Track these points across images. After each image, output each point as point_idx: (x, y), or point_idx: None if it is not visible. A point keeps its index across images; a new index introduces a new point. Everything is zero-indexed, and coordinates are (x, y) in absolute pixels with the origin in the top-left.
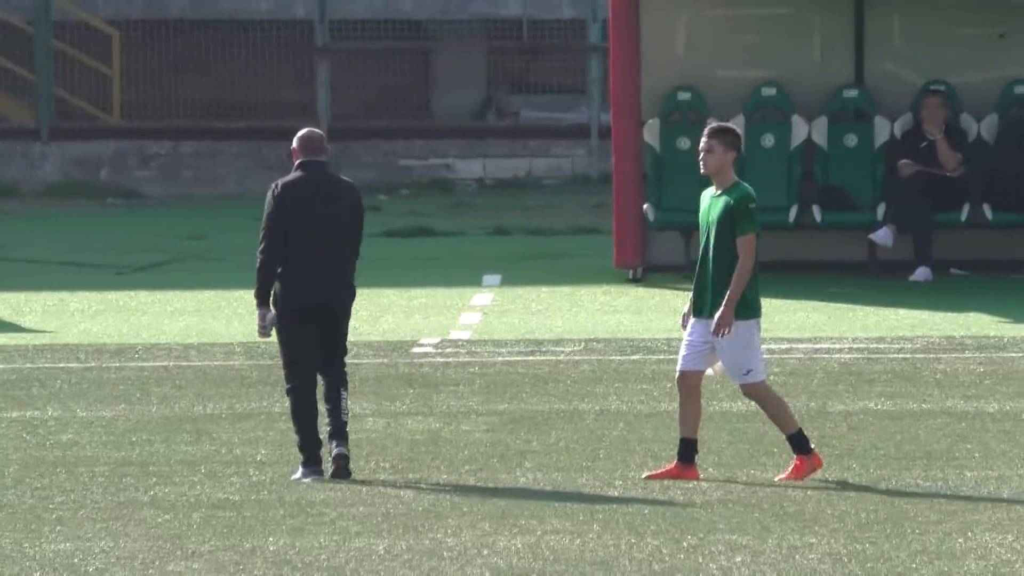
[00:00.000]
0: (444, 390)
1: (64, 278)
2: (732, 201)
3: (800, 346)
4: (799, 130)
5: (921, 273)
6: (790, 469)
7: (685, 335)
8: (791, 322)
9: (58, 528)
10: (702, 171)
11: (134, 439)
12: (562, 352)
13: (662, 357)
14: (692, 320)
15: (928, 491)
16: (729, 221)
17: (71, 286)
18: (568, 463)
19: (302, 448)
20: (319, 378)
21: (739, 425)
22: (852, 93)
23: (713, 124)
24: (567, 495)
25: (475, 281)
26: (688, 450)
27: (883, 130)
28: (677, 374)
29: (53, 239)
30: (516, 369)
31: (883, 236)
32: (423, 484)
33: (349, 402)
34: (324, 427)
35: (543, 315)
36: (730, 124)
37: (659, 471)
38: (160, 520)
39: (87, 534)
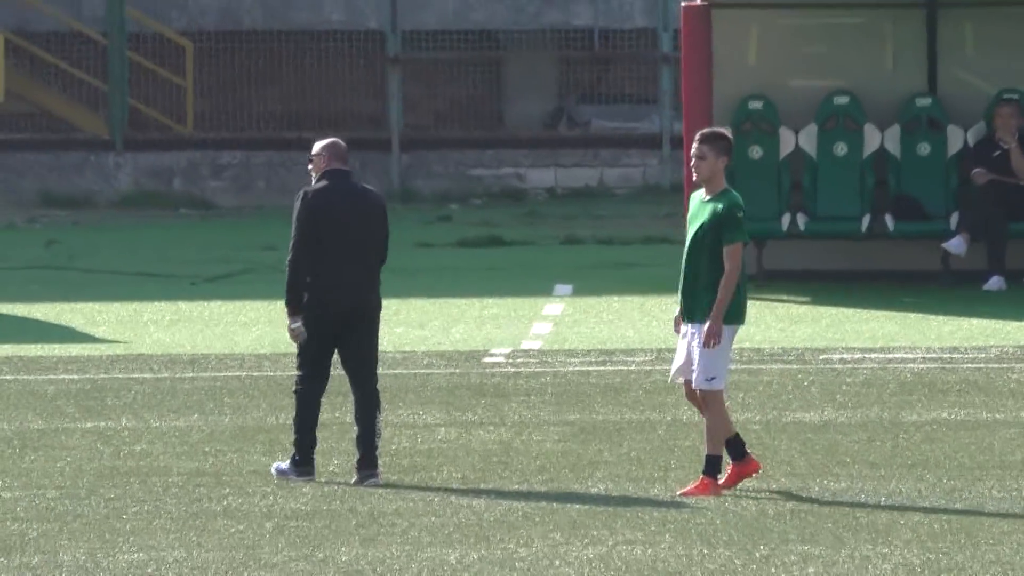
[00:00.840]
0: (515, 400)
1: (137, 288)
2: (721, 208)
3: (873, 356)
4: (872, 139)
5: (995, 282)
6: (694, 484)
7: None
8: (864, 332)
9: (132, 538)
10: (694, 178)
11: (207, 449)
12: (633, 362)
13: (733, 367)
14: (684, 327)
15: (1003, 502)
16: (717, 228)
17: (144, 296)
18: (640, 473)
19: (297, 446)
20: (346, 395)
21: (811, 436)
22: (925, 102)
23: (705, 130)
24: (639, 505)
25: (546, 291)
26: (736, 448)
27: (956, 139)
28: (685, 390)
29: (126, 249)
30: (588, 379)
31: (956, 245)
32: (494, 494)
33: (382, 424)
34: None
35: (614, 325)
36: (722, 129)
37: (724, 480)
38: (233, 530)
39: (160, 544)
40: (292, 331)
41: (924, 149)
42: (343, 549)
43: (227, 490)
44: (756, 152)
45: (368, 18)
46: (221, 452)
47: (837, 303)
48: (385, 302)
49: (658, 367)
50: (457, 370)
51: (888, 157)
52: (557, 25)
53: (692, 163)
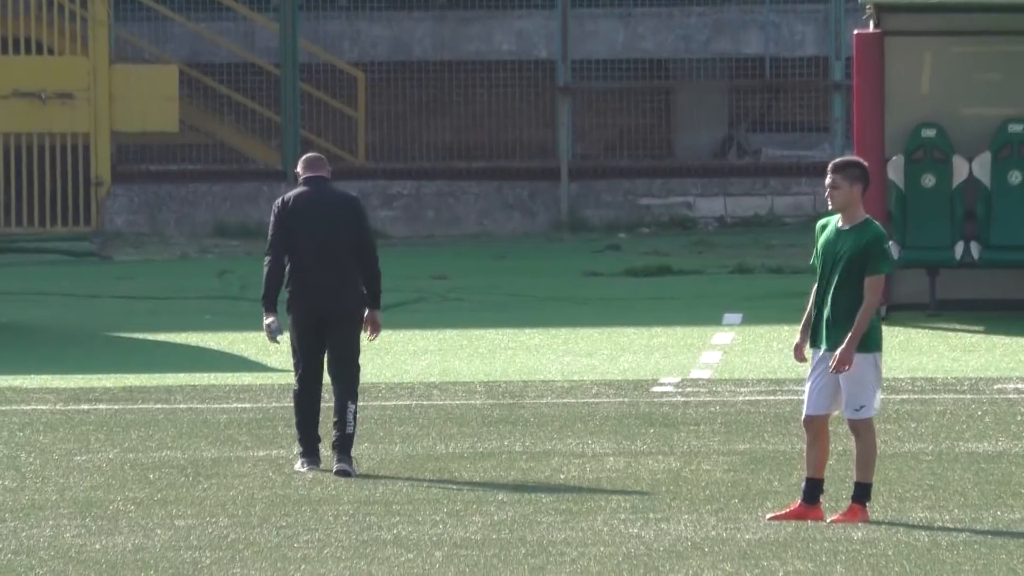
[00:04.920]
0: (684, 429)
1: None
2: (866, 239)
3: None
4: None
5: None
6: (845, 511)
7: (809, 377)
8: None
9: (303, 566)
10: (830, 207)
11: (377, 477)
12: (804, 392)
13: (907, 396)
14: (815, 355)
15: None
16: (861, 258)
17: None
18: None
19: (300, 440)
20: (323, 390)
21: (985, 466)
22: None
23: (837, 159)
24: (810, 536)
25: (716, 320)
26: (814, 490)
27: None
28: (803, 417)
29: None
30: (758, 409)
31: None
32: (663, 524)
33: (358, 415)
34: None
35: (785, 354)
36: (855, 157)
37: (782, 512)
38: (403, 559)
39: (331, 572)
40: (265, 327)
41: None
42: None
43: (397, 518)
44: (929, 180)
45: (538, 48)
46: (391, 480)
47: (1011, 333)
48: (553, 331)
49: None
50: (626, 399)
51: None
52: (728, 54)
53: (826, 193)
